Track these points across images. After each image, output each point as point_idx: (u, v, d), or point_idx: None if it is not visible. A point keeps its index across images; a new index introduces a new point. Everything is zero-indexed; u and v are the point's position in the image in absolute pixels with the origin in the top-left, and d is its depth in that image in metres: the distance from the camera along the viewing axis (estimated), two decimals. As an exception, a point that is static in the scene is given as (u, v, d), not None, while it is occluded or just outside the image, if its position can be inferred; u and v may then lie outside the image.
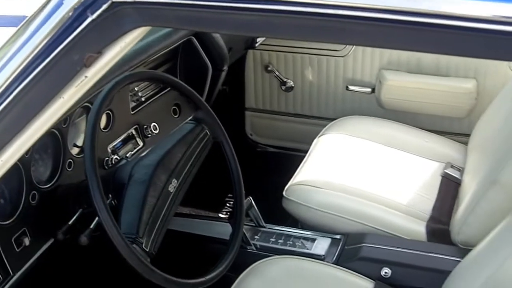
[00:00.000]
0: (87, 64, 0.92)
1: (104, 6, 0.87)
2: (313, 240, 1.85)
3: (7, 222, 1.39)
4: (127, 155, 1.77)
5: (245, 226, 1.86)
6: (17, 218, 1.42)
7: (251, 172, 2.10)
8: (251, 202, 1.86)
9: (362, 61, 2.55)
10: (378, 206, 1.90)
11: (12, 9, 2.14)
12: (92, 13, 0.88)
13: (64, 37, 0.90)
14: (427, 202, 1.93)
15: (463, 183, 1.95)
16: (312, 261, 1.72)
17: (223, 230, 1.73)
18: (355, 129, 2.31)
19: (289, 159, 2.44)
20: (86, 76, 0.93)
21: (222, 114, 1.86)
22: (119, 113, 1.75)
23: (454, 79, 2.43)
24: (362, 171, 2.07)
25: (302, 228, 1.97)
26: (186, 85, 1.65)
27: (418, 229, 1.82)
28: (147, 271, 1.30)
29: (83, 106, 1.59)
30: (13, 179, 1.40)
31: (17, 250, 1.43)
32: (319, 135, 2.33)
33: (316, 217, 1.93)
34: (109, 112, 1.71)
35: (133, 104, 1.86)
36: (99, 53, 0.92)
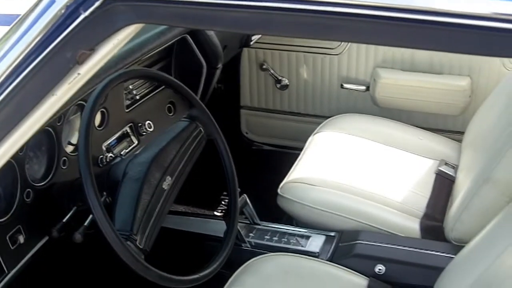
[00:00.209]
0: (80, 61, 0.92)
1: (97, 4, 0.88)
2: (308, 237, 1.86)
3: (1, 220, 1.39)
4: (122, 153, 1.77)
5: (240, 224, 1.86)
6: (11, 215, 1.42)
7: (247, 170, 2.11)
8: (246, 199, 1.86)
9: (356, 59, 2.55)
10: (372, 203, 1.90)
11: (5, 7, 2.14)
12: (85, 10, 0.89)
13: (57, 35, 0.91)
14: (421, 199, 1.94)
15: (457, 180, 1.96)
16: (307, 258, 1.73)
17: (218, 228, 1.74)
18: (349, 127, 2.31)
19: (284, 157, 2.44)
20: (79, 73, 0.94)
21: (218, 112, 1.87)
22: (114, 111, 1.75)
23: (448, 77, 2.43)
24: (356, 169, 2.08)
25: (297, 225, 1.97)
26: (180, 83, 1.65)
27: (412, 226, 1.83)
28: (141, 267, 1.30)
29: (78, 104, 1.59)
30: (8, 176, 1.40)
31: (12, 248, 1.43)
32: (314, 133, 2.33)
33: (310, 215, 1.93)
34: (103, 110, 1.71)
35: (128, 102, 1.86)
36: (92, 50, 0.92)
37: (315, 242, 1.83)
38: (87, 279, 1.97)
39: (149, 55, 1.83)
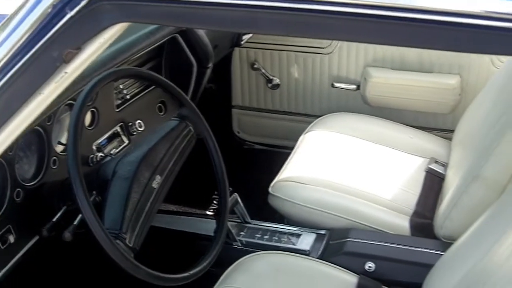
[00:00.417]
0: (67, 60, 0.93)
1: (83, 3, 0.88)
2: (298, 235, 1.87)
3: (-9, 220, 1.40)
4: (112, 152, 1.77)
5: (231, 223, 1.87)
6: (1, 215, 1.42)
7: (238, 169, 2.12)
8: (237, 198, 1.86)
9: (347, 58, 2.56)
10: (362, 201, 1.91)
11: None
12: (71, 10, 0.89)
13: (44, 34, 0.91)
14: (411, 197, 1.95)
15: (446, 178, 1.97)
16: (298, 256, 1.73)
17: (210, 227, 1.74)
18: (340, 126, 2.32)
19: (275, 156, 2.45)
20: (66, 72, 0.94)
21: (209, 112, 1.87)
22: (104, 110, 1.75)
23: (438, 76, 2.45)
24: (347, 167, 2.08)
25: (288, 224, 1.98)
26: (169, 82, 1.65)
27: (402, 223, 1.84)
28: (130, 266, 1.31)
29: (68, 104, 1.59)
30: (-3, 176, 1.41)
31: (2, 248, 1.43)
32: (305, 132, 2.34)
33: (301, 213, 1.94)
34: (94, 109, 1.71)
35: (118, 101, 1.86)
36: (79, 49, 0.93)
37: (306, 240, 1.84)
38: (77, 278, 1.97)
39: (138, 54, 1.83)
